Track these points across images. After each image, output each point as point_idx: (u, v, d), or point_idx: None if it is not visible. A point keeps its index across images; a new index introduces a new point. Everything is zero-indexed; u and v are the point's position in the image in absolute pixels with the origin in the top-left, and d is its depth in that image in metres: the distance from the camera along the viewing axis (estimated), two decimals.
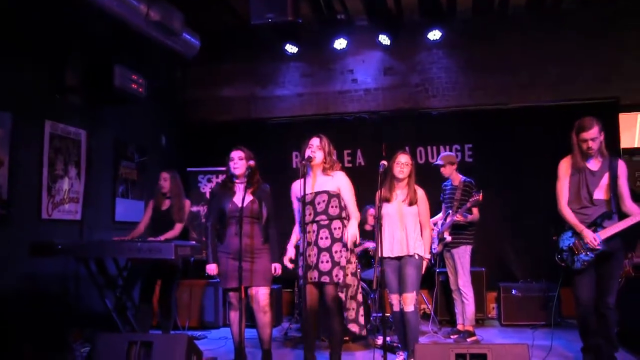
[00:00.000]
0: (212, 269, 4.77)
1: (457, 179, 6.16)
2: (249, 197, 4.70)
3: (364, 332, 4.71)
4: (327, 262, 4.42)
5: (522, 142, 7.54)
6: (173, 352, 4.19)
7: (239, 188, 4.77)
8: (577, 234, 4.48)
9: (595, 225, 4.45)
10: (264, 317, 4.69)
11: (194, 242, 5.55)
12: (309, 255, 4.43)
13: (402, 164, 4.85)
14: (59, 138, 6.05)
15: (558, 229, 4.69)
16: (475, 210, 6.00)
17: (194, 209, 7.91)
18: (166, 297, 5.72)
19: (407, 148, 7.72)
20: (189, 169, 8.07)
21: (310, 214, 4.48)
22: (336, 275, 4.41)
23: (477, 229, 6.16)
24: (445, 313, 6.90)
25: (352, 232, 4.47)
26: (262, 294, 4.68)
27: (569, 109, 7.16)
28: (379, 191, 4.70)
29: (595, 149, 4.45)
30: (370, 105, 8.23)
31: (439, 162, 6.23)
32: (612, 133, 7.32)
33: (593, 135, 4.41)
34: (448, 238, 6.00)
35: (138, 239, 5.53)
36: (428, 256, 4.88)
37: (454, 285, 6.18)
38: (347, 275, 4.51)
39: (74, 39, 6.22)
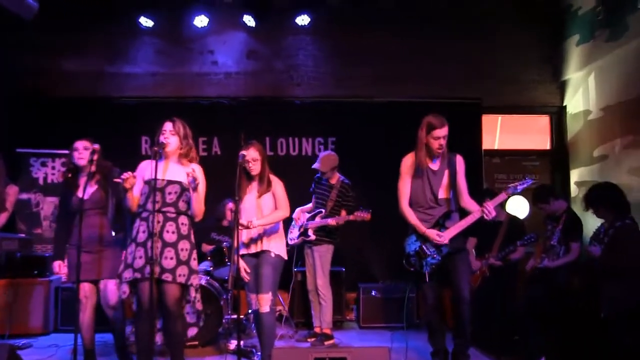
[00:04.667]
0: (56, 266, 4.68)
1: (335, 177, 6.18)
2: (93, 187, 4.67)
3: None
4: (172, 258, 4.27)
5: (387, 138, 7.70)
6: None
7: (83, 179, 4.70)
8: (421, 237, 4.64)
9: (438, 226, 4.64)
10: (115, 314, 4.67)
11: (22, 235, 5.13)
12: (151, 248, 4.21)
13: (250, 160, 4.79)
14: None
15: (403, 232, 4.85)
16: (343, 212, 6.06)
17: (24, 196, 7.29)
18: None
19: (267, 139, 7.70)
20: (18, 149, 7.45)
21: (158, 202, 4.30)
22: (180, 275, 4.27)
23: (340, 228, 6.21)
24: (301, 315, 6.89)
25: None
26: (110, 289, 4.62)
27: (435, 106, 7.29)
28: (237, 184, 4.58)
29: (444, 147, 4.62)
30: (231, 90, 8.05)
31: (317, 165, 6.17)
32: (474, 134, 7.79)
33: (445, 132, 4.58)
34: (312, 237, 6.02)
35: None
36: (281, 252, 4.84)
37: (311, 285, 6.19)
38: (194, 274, 4.38)
39: None
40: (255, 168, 4.80)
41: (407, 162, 4.76)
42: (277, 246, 4.82)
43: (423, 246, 4.63)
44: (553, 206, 5.82)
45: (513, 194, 4.69)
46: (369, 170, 7.64)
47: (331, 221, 5.95)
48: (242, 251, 4.74)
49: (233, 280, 4.55)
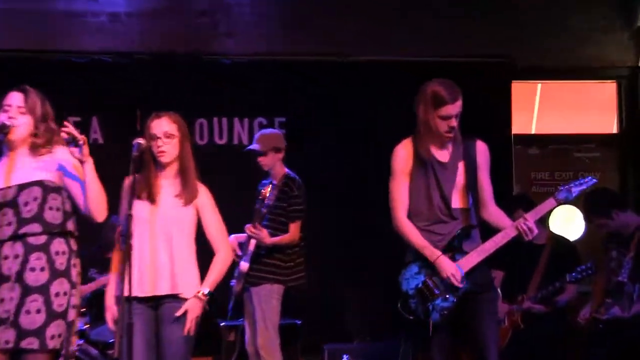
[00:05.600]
0: None
1: (280, 174, 6.17)
2: None
3: None
4: (39, 312, 4.12)
5: (368, 116, 7.81)
6: None
7: None
8: (427, 267, 4.57)
9: (452, 251, 4.57)
10: None
11: None
12: (3, 300, 4.10)
13: (162, 136, 4.56)
14: None
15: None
16: (293, 227, 6.02)
17: None
18: None
19: None
20: None
21: (10, 224, 4.17)
22: (52, 336, 4.12)
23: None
24: None
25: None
26: None
27: (440, 68, 7.42)
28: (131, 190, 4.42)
29: (456, 129, 4.58)
30: (120, 42, 8.03)
31: (255, 146, 6.15)
32: (500, 110, 7.87)
33: (458, 109, 4.50)
34: (243, 266, 6.00)
35: None
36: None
37: (251, 346, 6.16)
38: (72, 329, 4.28)
39: None
40: (168, 151, 4.54)
41: (402, 154, 4.69)
42: (193, 287, 4.56)
43: (429, 281, 4.56)
44: (618, 222, 5.84)
45: (565, 202, 4.68)
46: (339, 167, 7.73)
47: (250, 230, 5.92)
48: (136, 292, 4.34)
49: (120, 345, 4.42)
